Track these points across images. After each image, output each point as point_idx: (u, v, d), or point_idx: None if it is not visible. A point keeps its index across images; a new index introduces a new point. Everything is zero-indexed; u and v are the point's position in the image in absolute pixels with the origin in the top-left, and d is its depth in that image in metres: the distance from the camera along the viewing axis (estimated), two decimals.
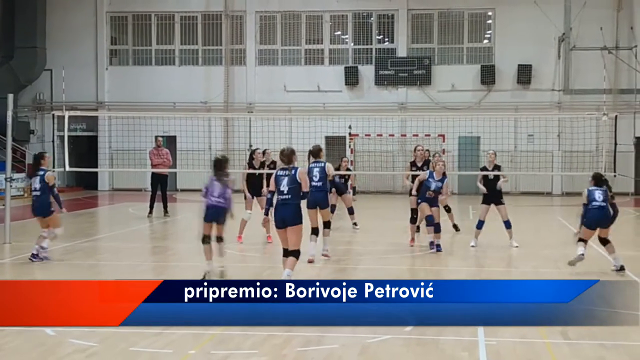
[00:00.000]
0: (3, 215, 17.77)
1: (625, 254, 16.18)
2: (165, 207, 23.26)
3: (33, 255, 14.35)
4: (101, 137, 35.16)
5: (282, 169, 11.55)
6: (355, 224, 20.57)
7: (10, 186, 18.05)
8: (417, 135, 31.84)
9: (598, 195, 13.93)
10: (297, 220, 11.34)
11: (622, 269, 13.80)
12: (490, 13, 34.81)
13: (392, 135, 33.45)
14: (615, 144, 31.41)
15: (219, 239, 12.68)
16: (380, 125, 32.53)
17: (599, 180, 14.28)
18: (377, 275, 13.52)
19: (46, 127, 35.90)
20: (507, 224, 16.93)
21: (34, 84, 36.04)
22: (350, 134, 33.09)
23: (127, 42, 36.68)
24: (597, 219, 13.84)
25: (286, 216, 11.29)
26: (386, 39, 35.57)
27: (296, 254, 11.38)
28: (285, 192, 11.33)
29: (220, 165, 12.66)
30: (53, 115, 22.16)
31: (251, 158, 17.97)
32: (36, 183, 14.71)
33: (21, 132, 34.32)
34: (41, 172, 14.84)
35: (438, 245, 16.04)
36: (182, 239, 17.61)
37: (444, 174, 16.25)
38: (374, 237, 19.12)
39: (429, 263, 15.36)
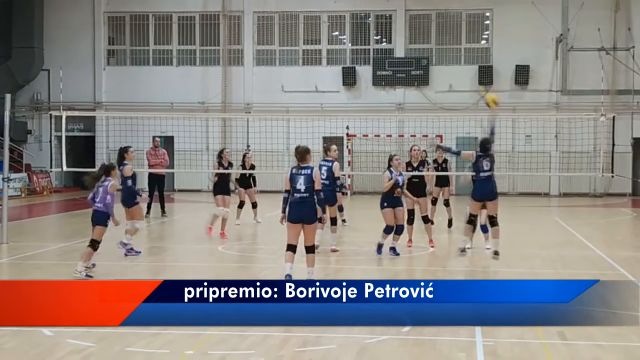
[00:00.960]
0: (0, 215, 17.75)
1: (623, 254, 16.20)
2: (162, 207, 23.29)
3: (127, 250, 15.07)
4: (98, 137, 35.11)
5: (297, 167, 11.72)
6: (344, 220, 20.92)
7: (8, 186, 18.05)
8: (414, 136, 31.84)
9: (486, 164, 14.51)
10: (315, 218, 11.73)
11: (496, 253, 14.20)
12: (487, 14, 34.82)
13: (390, 135, 33.43)
14: (613, 144, 31.50)
15: (90, 243, 13.16)
16: (378, 125, 32.51)
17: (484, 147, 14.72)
18: (374, 276, 13.52)
19: (44, 127, 35.86)
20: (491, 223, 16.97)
21: (32, 84, 36.00)
22: (347, 134, 33.09)
23: (125, 42, 36.65)
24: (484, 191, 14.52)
25: (304, 214, 11.56)
26: (384, 40, 35.57)
27: (313, 249, 11.81)
28: (303, 190, 11.58)
29: (108, 172, 13.11)
30: (50, 115, 22.20)
31: (220, 157, 18.67)
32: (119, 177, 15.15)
33: (18, 132, 34.29)
34: (121, 167, 15.21)
35: (394, 249, 15.46)
36: (180, 239, 17.61)
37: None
38: (372, 237, 19.09)
39: (427, 263, 15.37)
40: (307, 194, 11.57)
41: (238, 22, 35.68)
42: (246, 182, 21.13)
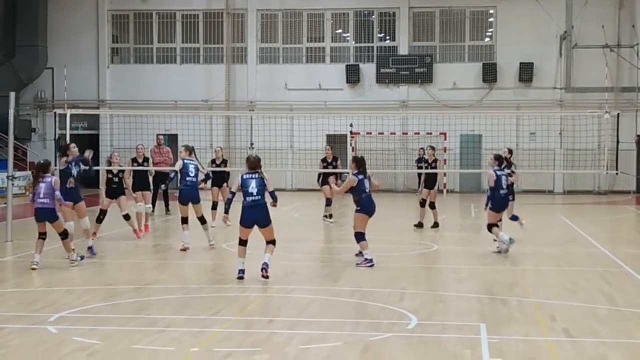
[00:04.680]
0: (5, 213, 17.79)
1: (627, 252, 16.20)
2: (166, 205, 23.33)
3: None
4: (102, 135, 35.16)
5: (248, 172, 12.31)
6: (330, 215, 21.01)
7: (12, 184, 18.06)
8: (418, 134, 31.84)
9: (504, 181, 14.61)
10: (269, 220, 12.30)
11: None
12: (491, 11, 34.78)
13: (394, 133, 33.43)
14: (617, 141, 31.45)
15: (60, 235, 13.56)
16: (382, 123, 32.51)
17: (502, 161, 14.77)
18: (377, 274, 13.51)
19: (48, 126, 35.91)
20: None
21: (36, 82, 36.03)
22: (351, 132, 33.06)
23: (129, 41, 36.67)
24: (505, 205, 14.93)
25: (258, 218, 12.20)
26: (387, 37, 35.55)
27: (274, 242, 12.44)
28: (255, 193, 12.14)
29: (45, 169, 13.59)
30: (55, 113, 22.23)
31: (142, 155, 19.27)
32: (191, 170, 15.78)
33: (23, 130, 34.31)
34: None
35: (369, 260, 13.98)
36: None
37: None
38: (375, 235, 19.09)
39: (430, 261, 15.37)
40: (259, 197, 12.13)
41: (241, 20, 35.67)
42: (219, 180, 20.27)
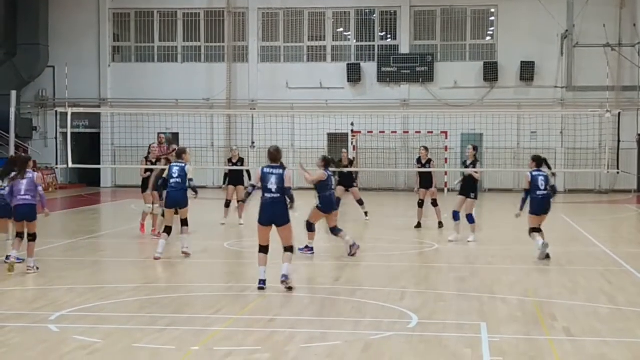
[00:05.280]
0: None
1: (628, 251, 16.19)
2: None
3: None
4: (104, 133, 35.18)
5: (269, 166, 11.48)
6: (366, 213, 21.27)
7: None
8: (419, 132, 31.83)
9: (541, 182, 14.40)
10: (287, 218, 11.36)
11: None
12: (493, 10, 34.78)
13: (395, 132, 33.43)
14: (619, 140, 31.47)
15: (30, 237, 12.95)
16: (383, 122, 32.52)
17: (540, 162, 14.60)
18: (378, 273, 13.52)
19: (49, 124, 35.93)
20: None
21: (37, 80, 36.05)
22: (352, 131, 33.08)
23: (130, 39, 36.68)
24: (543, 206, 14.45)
25: (276, 215, 11.28)
26: (389, 36, 35.54)
27: (291, 249, 11.49)
28: (274, 190, 11.28)
29: (23, 165, 13.03)
30: (56, 112, 22.23)
31: (148, 152, 18.35)
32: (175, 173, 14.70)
33: (24, 128, 34.34)
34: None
35: (310, 248, 15.09)
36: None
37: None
38: (376, 233, 19.12)
39: (432, 260, 15.37)
40: (279, 194, 11.27)
41: (243, 18, 35.67)
42: (235, 179, 20.22)
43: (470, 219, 17.02)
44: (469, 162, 17.42)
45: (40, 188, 13.09)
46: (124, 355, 8.14)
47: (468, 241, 16.85)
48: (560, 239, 17.60)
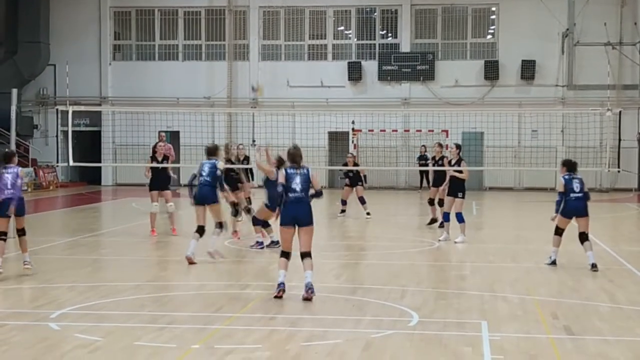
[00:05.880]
0: None
1: (629, 249, 16.21)
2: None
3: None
4: (104, 132, 35.16)
5: (292, 167, 11.26)
6: (368, 213, 21.23)
7: None
8: (420, 131, 31.81)
9: (576, 185, 14.02)
10: (311, 220, 11.10)
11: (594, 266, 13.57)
12: (494, 8, 34.75)
13: (395, 130, 33.41)
14: (619, 139, 31.45)
15: (21, 232, 12.69)
16: (384, 120, 32.51)
17: (571, 166, 14.26)
18: (378, 271, 13.53)
19: (50, 122, 35.91)
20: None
21: (38, 78, 36.04)
22: (353, 129, 33.07)
23: (131, 37, 36.67)
24: (574, 209, 13.98)
25: (300, 215, 11.01)
26: (389, 34, 35.53)
27: (310, 255, 11.06)
28: (299, 190, 11.07)
29: (9, 159, 12.85)
30: (57, 110, 22.19)
31: (154, 152, 18.20)
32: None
33: (25, 127, 34.33)
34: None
35: (261, 243, 15.42)
36: (186, 233, 17.57)
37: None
38: (377, 232, 19.12)
39: (432, 259, 15.37)
40: (303, 195, 11.10)
41: (244, 17, 35.66)
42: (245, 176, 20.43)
43: (459, 218, 16.82)
44: (453, 162, 17.19)
45: (19, 181, 12.58)
46: (124, 353, 8.15)
47: (455, 242, 16.60)
48: (565, 238, 17.57)
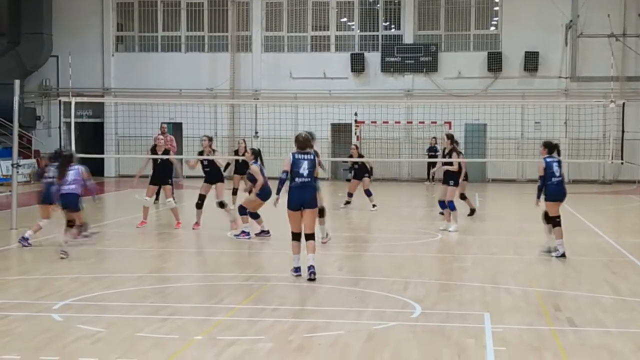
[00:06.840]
0: (10, 201, 17.81)
1: (632, 241, 16.19)
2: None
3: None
4: (107, 123, 35.15)
5: (299, 152, 11.64)
6: (374, 205, 21.27)
7: (17, 172, 18.06)
8: (423, 123, 31.79)
9: (556, 169, 13.96)
10: (316, 203, 11.71)
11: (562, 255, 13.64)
12: (497, 0, 34.66)
13: (398, 122, 33.38)
14: (623, 131, 31.37)
15: (70, 224, 13.85)
16: (387, 112, 32.47)
17: (552, 148, 14.18)
18: (381, 263, 13.52)
19: (52, 114, 35.90)
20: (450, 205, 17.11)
21: (41, 70, 36.03)
22: (356, 121, 33.03)
23: (133, 29, 36.63)
24: (561, 193, 13.95)
25: (306, 199, 11.45)
26: (392, 26, 35.46)
27: (313, 237, 11.60)
28: (306, 175, 11.49)
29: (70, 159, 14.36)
30: (59, 101, 22.15)
31: (155, 145, 18.24)
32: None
33: (27, 118, 34.33)
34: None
35: (248, 232, 15.67)
36: (188, 225, 17.59)
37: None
38: (380, 223, 19.12)
39: (435, 250, 15.36)
40: (309, 179, 11.53)
41: (246, 8, 35.61)
42: (243, 168, 20.16)
43: (451, 205, 17.02)
44: (446, 152, 17.53)
45: (86, 181, 14.34)
46: (127, 344, 8.15)
47: (449, 230, 16.76)
48: (564, 229, 17.56)
